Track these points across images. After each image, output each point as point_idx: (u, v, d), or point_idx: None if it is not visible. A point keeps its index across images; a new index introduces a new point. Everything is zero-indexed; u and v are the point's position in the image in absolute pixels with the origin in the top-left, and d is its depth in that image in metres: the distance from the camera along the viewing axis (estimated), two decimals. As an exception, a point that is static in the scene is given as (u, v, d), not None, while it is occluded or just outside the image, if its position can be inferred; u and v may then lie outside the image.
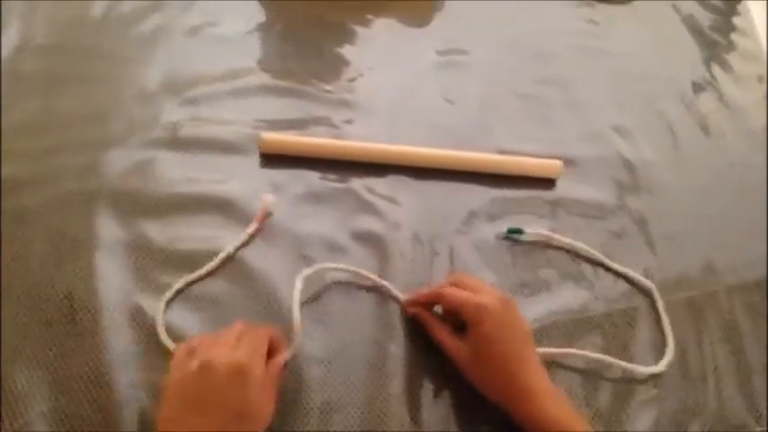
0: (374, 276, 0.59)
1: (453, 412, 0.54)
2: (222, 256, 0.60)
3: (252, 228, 0.62)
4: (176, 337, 0.54)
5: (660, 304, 0.63)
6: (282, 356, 0.51)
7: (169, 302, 0.56)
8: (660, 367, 0.59)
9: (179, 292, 0.57)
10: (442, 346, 0.54)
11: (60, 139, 0.67)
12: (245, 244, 0.61)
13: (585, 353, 0.58)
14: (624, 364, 0.58)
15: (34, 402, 0.50)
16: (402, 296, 0.59)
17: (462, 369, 0.53)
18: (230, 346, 0.46)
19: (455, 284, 0.55)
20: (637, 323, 0.63)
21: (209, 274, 0.59)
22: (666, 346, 0.61)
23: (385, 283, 0.59)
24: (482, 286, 0.55)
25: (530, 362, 0.51)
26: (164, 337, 0.54)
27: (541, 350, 0.56)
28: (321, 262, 0.59)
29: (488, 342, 0.51)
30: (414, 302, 0.57)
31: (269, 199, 0.63)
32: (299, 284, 0.55)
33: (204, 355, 0.45)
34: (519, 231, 0.66)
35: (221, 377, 0.44)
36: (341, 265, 0.59)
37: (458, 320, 0.53)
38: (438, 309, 0.58)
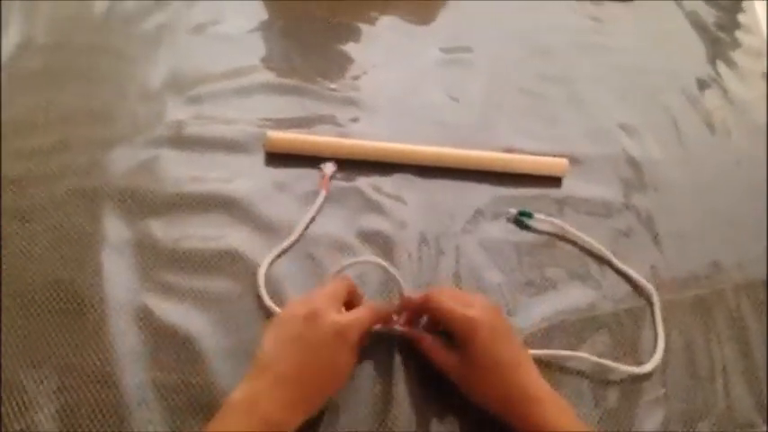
0: (400, 279, 0.56)
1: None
2: (300, 228, 0.62)
3: (322, 196, 0.64)
4: (180, 337, 0.54)
5: (657, 306, 0.63)
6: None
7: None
8: (647, 368, 0.58)
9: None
10: (432, 360, 0.53)
11: (64, 137, 0.66)
12: (318, 212, 0.64)
13: (569, 353, 0.58)
14: (606, 362, 0.57)
15: (40, 403, 0.49)
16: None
17: (457, 382, 0.52)
18: (339, 306, 0.51)
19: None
20: (644, 322, 0.62)
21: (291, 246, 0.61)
22: (657, 346, 0.60)
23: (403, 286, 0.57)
24: (467, 297, 0.54)
25: (528, 368, 0.51)
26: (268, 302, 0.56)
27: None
28: (328, 262, 0.60)
29: (484, 354, 0.50)
30: (405, 306, 0.56)
31: (329, 168, 0.67)
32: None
33: (314, 306, 0.49)
34: (529, 215, 0.66)
35: (322, 331, 0.47)
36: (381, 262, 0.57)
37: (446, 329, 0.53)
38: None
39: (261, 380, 0.46)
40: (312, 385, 0.47)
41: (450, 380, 0.52)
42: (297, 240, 0.62)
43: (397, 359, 0.56)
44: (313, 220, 0.63)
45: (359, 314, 0.51)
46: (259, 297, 0.57)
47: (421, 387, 0.54)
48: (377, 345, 0.55)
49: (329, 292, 0.51)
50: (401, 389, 0.54)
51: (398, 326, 0.55)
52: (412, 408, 0.53)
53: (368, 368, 0.55)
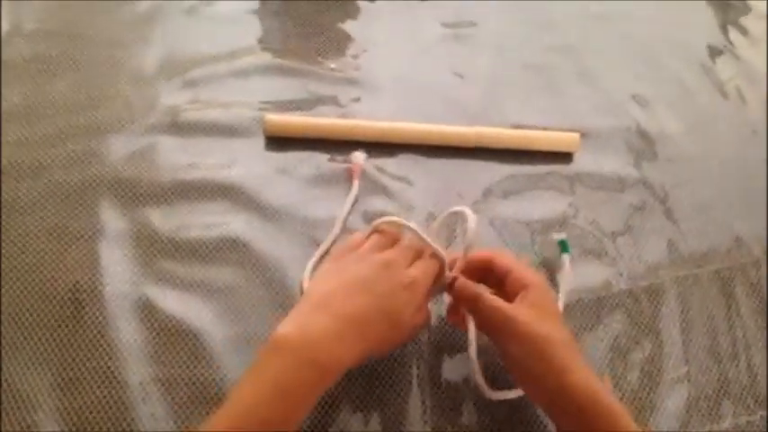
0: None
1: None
2: (340, 223, 0.60)
3: (355, 188, 0.62)
4: (183, 330, 0.52)
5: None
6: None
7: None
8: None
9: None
10: (493, 311, 0.47)
11: (56, 126, 0.64)
12: (354, 204, 0.62)
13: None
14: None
15: (40, 401, 0.48)
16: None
17: (520, 330, 0.46)
18: (411, 261, 0.48)
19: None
20: (662, 300, 0.60)
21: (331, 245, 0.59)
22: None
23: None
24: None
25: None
26: None
27: None
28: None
29: (546, 298, 0.49)
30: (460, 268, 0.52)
31: (359, 157, 0.64)
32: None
33: (391, 256, 0.47)
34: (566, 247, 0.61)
35: (397, 280, 0.45)
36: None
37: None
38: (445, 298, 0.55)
39: (316, 315, 0.43)
40: (376, 330, 0.44)
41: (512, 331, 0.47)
42: (335, 239, 0.59)
43: (412, 351, 0.54)
44: (346, 217, 0.61)
45: (427, 266, 0.49)
46: (268, 283, 0.56)
47: (433, 380, 0.53)
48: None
49: (404, 248, 0.49)
50: (413, 381, 0.53)
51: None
52: (424, 400, 0.52)
53: (379, 362, 0.53)
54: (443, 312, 0.55)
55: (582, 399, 0.44)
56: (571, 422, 0.44)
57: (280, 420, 0.40)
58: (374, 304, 0.44)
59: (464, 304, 0.50)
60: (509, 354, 0.47)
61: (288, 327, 0.42)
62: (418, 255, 0.50)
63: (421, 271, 0.48)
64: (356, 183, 0.63)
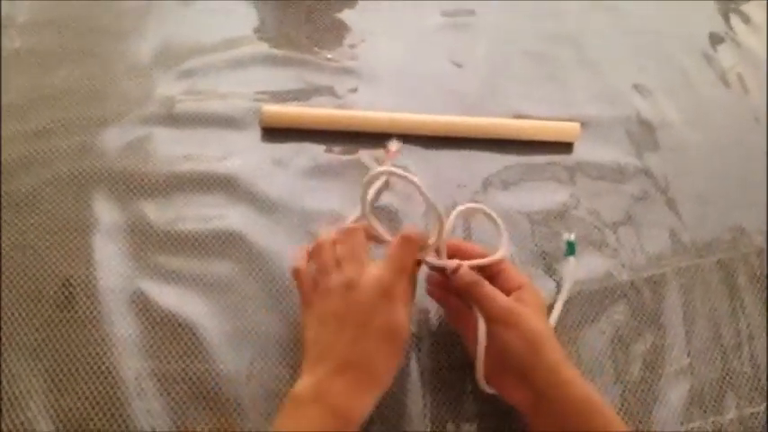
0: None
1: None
2: (369, 199, 0.53)
3: (387, 164, 0.61)
4: (179, 324, 0.52)
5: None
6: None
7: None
8: None
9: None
10: (494, 301, 0.47)
11: (51, 119, 0.63)
12: (383, 186, 0.62)
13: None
14: None
15: (33, 397, 0.47)
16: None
17: (519, 322, 0.46)
18: (365, 258, 0.46)
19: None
20: (664, 291, 0.60)
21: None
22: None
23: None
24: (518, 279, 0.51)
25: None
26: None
27: None
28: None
29: (538, 300, 0.49)
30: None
31: (394, 146, 0.63)
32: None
33: (344, 275, 0.45)
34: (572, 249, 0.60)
35: (365, 297, 0.44)
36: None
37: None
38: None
39: (320, 369, 0.43)
40: (376, 361, 0.44)
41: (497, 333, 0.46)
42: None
43: (413, 349, 0.53)
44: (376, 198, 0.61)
45: (393, 256, 0.46)
46: (264, 276, 0.55)
47: (434, 378, 0.53)
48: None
49: (348, 251, 0.47)
50: (415, 379, 0.52)
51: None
52: (424, 395, 0.51)
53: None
54: (442, 315, 0.55)
55: (576, 395, 0.43)
56: (557, 421, 0.44)
57: None
58: (361, 335, 0.43)
59: (465, 292, 0.49)
60: (506, 345, 0.46)
61: (303, 387, 0.42)
62: (376, 240, 0.50)
63: (387, 264, 0.46)
64: (388, 162, 0.62)
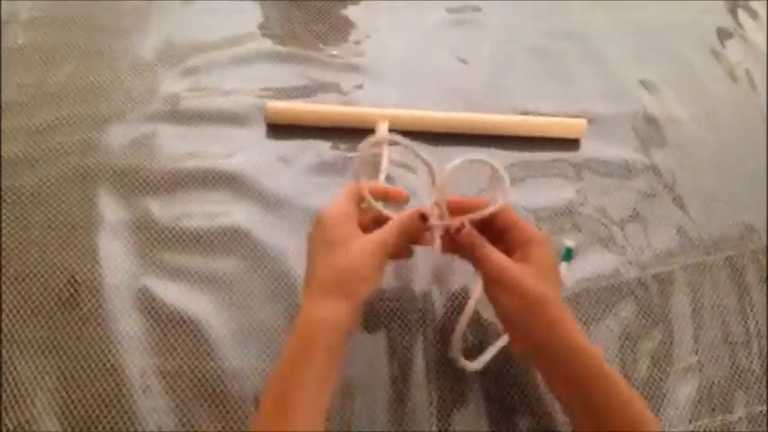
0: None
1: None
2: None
3: (386, 161, 0.61)
4: (184, 321, 0.51)
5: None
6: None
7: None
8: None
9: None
10: (493, 263, 0.47)
11: (55, 116, 0.63)
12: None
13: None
14: None
15: (39, 395, 0.47)
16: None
17: (516, 284, 0.45)
18: (354, 227, 0.48)
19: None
20: (672, 288, 0.59)
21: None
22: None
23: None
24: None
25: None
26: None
27: None
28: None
29: (545, 256, 0.48)
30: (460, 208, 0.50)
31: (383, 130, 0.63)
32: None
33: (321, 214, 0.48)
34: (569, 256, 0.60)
35: (324, 224, 0.47)
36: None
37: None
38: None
39: (309, 290, 0.45)
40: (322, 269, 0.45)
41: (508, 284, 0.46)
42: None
43: (418, 340, 0.53)
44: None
45: (382, 236, 0.47)
46: (269, 273, 0.55)
47: (440, 370, 0.52)
48: (395, 326, 0.53)
49: (337, 215, 0.48)
50: (420, 371, 0.52)
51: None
52: (430, 390, 0.51)
53: (386, 350, 0.53)
54: (447, 306, 0.55)
55: (568, 351, 0.44)
56: (559, 374, 0.45)
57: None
58: (320, 251, 0.46)
59: (465, 252, 0.49)
60: (501, 305, 0.46)
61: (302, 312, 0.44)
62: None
63: (375, 237, 0.47)
64: (386, 152, 0.62)
